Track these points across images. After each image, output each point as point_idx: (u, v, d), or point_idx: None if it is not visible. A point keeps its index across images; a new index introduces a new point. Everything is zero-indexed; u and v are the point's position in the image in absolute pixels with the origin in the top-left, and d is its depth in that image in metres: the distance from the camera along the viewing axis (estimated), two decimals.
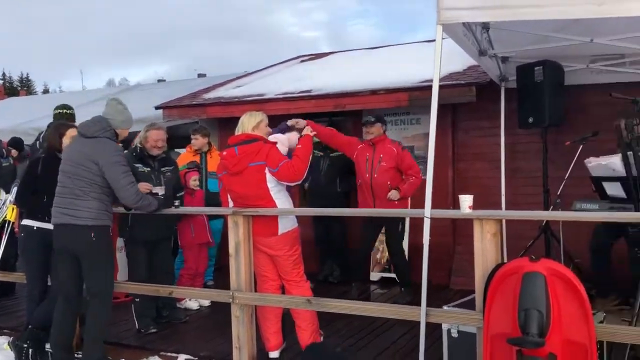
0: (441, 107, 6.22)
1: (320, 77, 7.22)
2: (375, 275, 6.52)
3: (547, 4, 2.82)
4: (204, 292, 4.95)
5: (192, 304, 5.63)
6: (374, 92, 6.12)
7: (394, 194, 5.24)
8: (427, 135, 6.42)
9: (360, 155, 5.53)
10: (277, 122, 4.61)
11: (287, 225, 3.98)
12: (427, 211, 3.26)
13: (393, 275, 6.35)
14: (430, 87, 5.82)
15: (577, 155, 5.01)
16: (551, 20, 3.67)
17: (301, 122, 4.44)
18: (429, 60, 6.15)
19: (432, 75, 6.22)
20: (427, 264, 3.33)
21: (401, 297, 5.53)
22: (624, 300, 4.89)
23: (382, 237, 6.21)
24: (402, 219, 5.46)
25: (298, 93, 6.80)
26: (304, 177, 3.91)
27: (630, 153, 3.18)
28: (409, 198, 6.02)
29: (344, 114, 6.79)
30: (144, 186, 4.29)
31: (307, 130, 4.10)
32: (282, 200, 3.96)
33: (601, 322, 3.41)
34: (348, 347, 4.41)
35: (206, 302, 5.66)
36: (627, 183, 3.26)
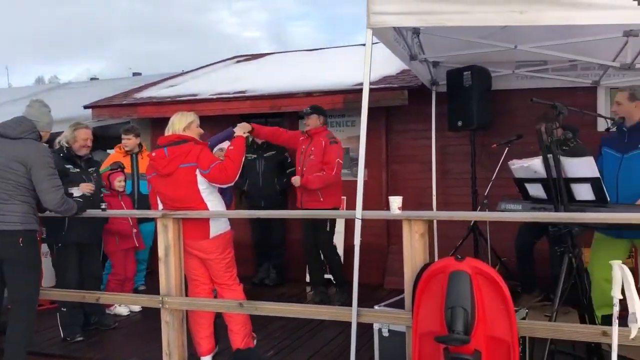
0: (375, 110, 6.41)
1: (257, 78, 7.18)
2: None
3: (473, 11, 2.90)
4: (132, 297, 4.79)
5: (122, 310, 5.45)
6: (309, 94, 6.14)
7: (295, 180, 5.24)
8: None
9: (298, 148, 5.52)
10: (211, 123, 4.55)
11: (219, 228, 3.91)
12: (358, 212, 3.29)
13: (329, 276, 6.39)
14: (368, 90, 5.96)
15: (503, 157, 5.22)
16: (478, 27, 3.80)
17: (246, 127, 4.40)
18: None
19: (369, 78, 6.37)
20: (358, 264, 3.36)
21: (337, 298, 5.56)
22: (546, 296, 5.13)
23: None
24: (327, 219, 5.34)
25: (233, 94, 6.73)
26: (236, 178, 3.86)
27: (550, 155, 3.31)
28: (344, 198, 6.10)
29: (280, 115, 6.78)
30: (87, 187, 4.24)
31: (239, 132, 4.04)
32: (213, 202, 3.90)
33: (523, 318, 3.53)
34: (282, 349, 4.39)
35: (137, 308, 5.50)
36: (547, 184, 3.39)
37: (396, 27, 3.84)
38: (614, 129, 4.03)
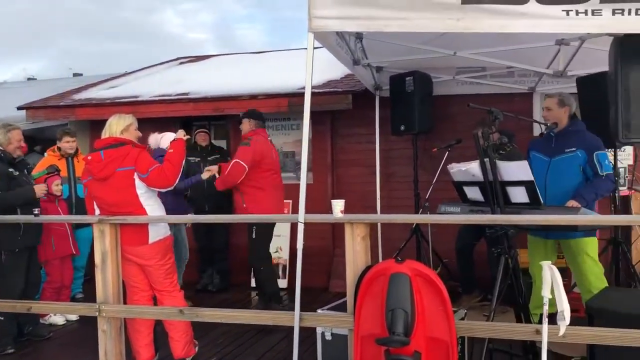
0: (320, 113, 6.45)
1: (200, 80, 7.08)
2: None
3: (411, 18, 2.95)
4: (66, 306, 4.61)
5: (58, 319, 5.23)
6: (253, 97, 6.10)
7: (205, 175, 5.19)
8: (308, 141, 6.63)
9: None
10: (152, 126, 4.44)
11: (158, 233, 3.82)
12: (301, 216, 3.28)
13: (279, 280, 6.35)
14: (310, 93, 5.96)
15: (443, 161, 5.34)
16: (419, 33, 3.87)
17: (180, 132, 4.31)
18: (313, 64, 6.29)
19: (312, 82, 6.38)
20: (301, 268, 3.35)
21: (258, 304, 5.53)
22: (485, 296, 5.28)
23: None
24: (253, 225, 5.04)
25: (175, 96, 6.61)
26: (176, 182, 3.78)
27: (486, 159, 3.40)
28: (289, 202, 6.10)
29: (223, 118, 6.70)
30: (41, 189, 4.28)
31: (180, 134, 3.96)
32: (153, 207, 3.80)
33: (462, 318, 3.61)
34: (225, 355, 4.33)
35: (73, 317, 5.29)
36: (484, 187, 3.48)
37: (338, 31, 3.85)
38: (546, 134, 4.20)
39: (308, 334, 4.01)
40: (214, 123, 6.64)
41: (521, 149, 5.05)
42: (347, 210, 3.34)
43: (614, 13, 2.74)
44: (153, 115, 6.32)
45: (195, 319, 3.68)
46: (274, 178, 5.11)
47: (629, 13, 2.73)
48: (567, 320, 2.22)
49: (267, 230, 5.08)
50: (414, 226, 5.57)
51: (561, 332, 2.26)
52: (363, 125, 6.40)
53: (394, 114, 5.72)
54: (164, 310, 3.79)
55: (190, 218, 4.48)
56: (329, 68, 6.18)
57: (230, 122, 6.79)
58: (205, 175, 5.20)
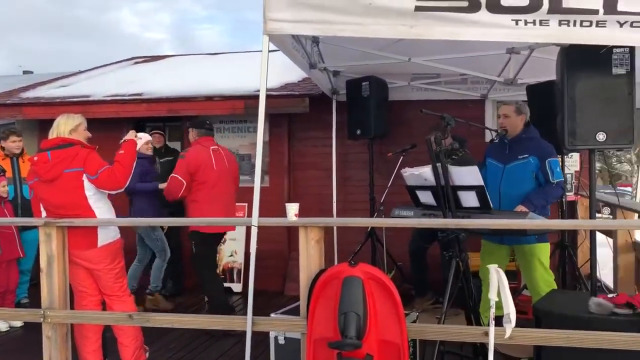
0: (277, 116, 6.44)
1: (155, 81, 6.95)
2: None
3: (365, 23, 2.97)
4: (10, 311, 4.43)
5: (1, 326, 5.03)
6: (209, 98, 6.03)
7: (163, 185, 5.12)
8: (265, 143, 6.61)
9: None
10: (104, 126, 4.33)
11: (108, 236, 3.71)
12: (254, 220, 3.25)
13: (228, 284, 6.30)
14: (267, 96, 5.92)
15: (398, 166, 5.39)
16: (375, 39, 3.91)
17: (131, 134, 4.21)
18: (269, 68, 6.25)
19: (269, 84, 6.36)
20: (254, 272, 3.31)
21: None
22: (438, 299, 5.36)
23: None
24: (192, 241, 5.06)
25: (129, 96, 6.46)
26: (127, 184, 3.69)
27: (439, 164, 3.46)
28: (245, 205, 6.05)
29: (178, 119, 6.60)
30: None
31: (131, 135, 3.87)
32: (102, 209, 3.69)
33: (414, 321, 3.65)
34: None
35: (18, 323, 5.10)
36: (436, 192, 3.53)
37: (294, 35, 3.85)
38: (497, 140, 4.30)
39: (262, 338, 3.98)
40: (169, 124, 6.53)
41: (473, 155, 5.16)
42: (303, 213, 3.33)
43: (560, 24, 2.82)
44: (105, 116, 6.17)
45: (145, 324, 3.59)
46: (210, 191, 4.88)
47: (574, 24, 2.81)
48: (513, 323, 2.27)
49: (206, 248, 4.98)
50: (369, 230, 5.60)
51: (507, 335, 2.31)
52: (320, 129, 6.42)
53: (350, 118, 5.76)
54: (112, 315, 3.69)
55: (141, 221, 4.38)
56: (286, 71, 6.17)
57: (185, 124, 6.68)
58: (163, 185, 5.13)
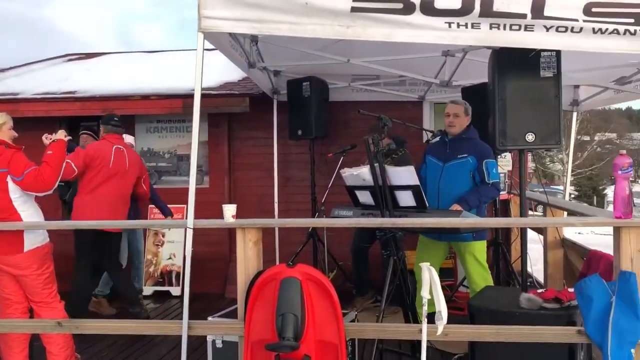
0: (217, 116, 6.34)
1: (89, 78, 6.71)
2: (148, 290, 6.20)
3: (301, 23, 2.96)
4: None
5: None
6: (145, 97, 5.87)
7: None
8: (203, 143, 6.50)
9: None
10: (34, 125, 4.13)
11: (35, 240, 3.54)
12: (190, 221, 3.17)
13: (167, 288, 6.16)
14: (204, 95, 5.82)
15: (338, 166, 5.41)
16: (315, 39, 3.90)
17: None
18: (209, 67, 6.14)
19: (208, 83, 6.26)
20: (189, 275, 3.23)
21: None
22: (378, 298, 5.42)
23: (157, 248, 5.97)
24: (119, 235, 5.08)
25: (61, 94, 6.20)
26: (55, 186, 3.53)
27: (376, 165, 3.49)
28: (185, 208, 5.90)
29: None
30: None
31: (60, 135, 3.71)
32: (29, 212, 3.52)
33: (352, 320, 3.67)
34: None
35: None
36: (374, 191, 3.57)
37: (232, 33, 3.79)
38: (434, 140, 4.39)
39: (200, 342, 3.90)
40: None
41: (414, 155, 5.25)
42: (245, 214, 3.29)
43: (491, 27, 2.90)
44: (35, 115, 5.90)
45: (75, 331, 3.45)
46: (97, 188, 4.82)
47: (504, 28, 2.90)
48: (445, 320, 2.31)
49: (84, 239, 4.88)
50: (310, 230, 5.60)
51: (439, 332, 2.35)
52: (261, 129, 6.38)
53: (291, 119, 5.74)
54: (39, 323, 3.52)
55: (69, 224, 4.19)
56: (228, 70, 6.09)
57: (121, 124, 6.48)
58: None
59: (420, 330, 2.86)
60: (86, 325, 3.39)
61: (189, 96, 5.83)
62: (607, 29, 2.84)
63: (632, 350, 2.79)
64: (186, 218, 3.19)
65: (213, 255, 6.16)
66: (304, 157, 6.20)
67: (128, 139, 5.36)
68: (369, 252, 5.60)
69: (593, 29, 2.85)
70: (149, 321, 3.81)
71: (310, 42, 4.42)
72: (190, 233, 3.17)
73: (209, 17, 2.97)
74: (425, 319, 2.42)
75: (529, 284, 5.22)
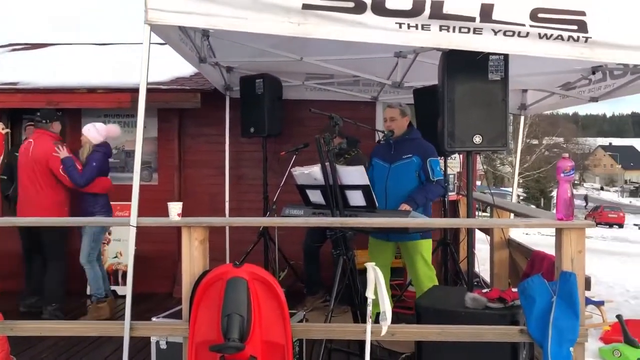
0: (168, 111, 6.20)
1: (33, 70, 6.43)
2: None
3: (252, 18, 2.90)
4: None
5: None
6: (91, 90, 5.67)
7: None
8: (152, 139, 6.34)
9: None
10: None
11: None
12: (133, 219, 3.08)
13: (113, 287, 5.97)
14: (153, 90, 5.67)
15: (291, 164, 5.37)
16: (268, 35, 3.85)
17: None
18: (161, 61, 5.98)
19: (159, 77, 6.11)
20: (132, 274, 3.14)
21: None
22: (327, 297, 5.41)
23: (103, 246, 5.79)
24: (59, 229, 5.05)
25: (1, 85, 5.92)
26: None
27: (327, 164, 3.47)
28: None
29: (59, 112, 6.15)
30: None
31: None
32: None
33: (301, 320, 3.64)
34: None
35: None
36: (325, 191, 3.55)
37: (181, 26, 3.70)
38: (384, 141, 4.42)
39: (145, 342, 3.79)
40: None
41: (366, 156, 5.26)
42: (195, 212, 3.22)
43: (440, 29, 2.92)
44: None
45: (10, 333, 3.29)
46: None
47: (454, 30, 2.93)
48: (389, 320, 2.30)
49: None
50: (261, 229, 5.55)
51: (383, 332, 2.35)
52: (213, 125, 6.28)
53: (243, 116, 5.67)
54: None
55: (7, 221, 4.02)
56: (180, 65, 5.93)
57: (66, 117, 6.24)
58: None
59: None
60: (21, 327, 3.23)
61: (137, 90, 5.67)
62: (552, 35, 2.90)
63: (571, 349, 2.87)
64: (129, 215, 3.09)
65: (161, 253, 6.02)
66: (257, 155, 6.13)
67: (110, 131, 5.27)
68: (321, 252, 5.59)
69: (539, 34, 2.91)
70: (89, 322, 3.69)
71: (264, 39, 4.36)
72: (133, 231, 3.08)
73: (155, 9, 2.89)
74: (370, 320, 2.41)
75: (476, 283, 5.32)
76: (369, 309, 2.37)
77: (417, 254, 4.25)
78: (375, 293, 2.30)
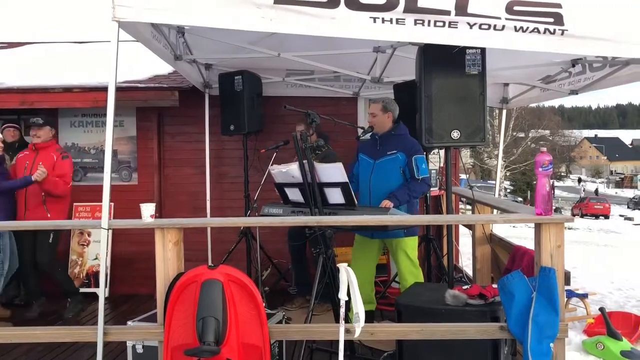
0: (146, 110, 6.09)
1: (7, 69, 6.29)
2: None
3: (225, 13, 2.83)
4: None
5: None
6: (67, 90, 5.54)
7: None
8: (131, 139, 6.24)
9: (20, 162, 5.17)
10: None
11: None
12: (104, 222, 3.00)
13: (94, 289, 5.88)
14: (131, 89, 5.59)
15: (271, 162, 5.31)
16: (245, 32, 3.78)
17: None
18: (139, 59, 5.86)
19: (137, 76, 6.00)
20: (104, 277, 3.08)
21: (70, 309, 5.23)
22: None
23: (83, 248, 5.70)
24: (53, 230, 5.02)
25: None
26: None
27: (305, 161, 3.41)
28: (112, 204, 5.64)
29: (34, 112, 6.03)
30: None
31: None
32: None
33: (280, 321, 3.58)
34: None
35: None
36: (304, 189, 3.49)
37: (154, 23, 3.62)
38: (364, 137, 4.37)
39: (123, 347, 3.72)
40: (24, 117, 5.94)
41: (347, 151, 5.21)
42: (176, 212, 3.15)
43: (415, 23, 2.87)
44: None
45: None
46: None
47: (429, 24, 2.87)
48: (362, 322, 2.26)
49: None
50: (242, 228, 5.48)
51: (356, 334, 2.30)
52: (193, 124, 6.19)
53: (223, 113, 5.58)
54: None
55: None
56: (159, 62, 5.83)
57: (43, 118, 6.12)
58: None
59: (347, 331, 2.82)
60: None
61: (116, 89, 5.57)
62: (528, 28, 2.86)
63: (551, 344, 2.84)
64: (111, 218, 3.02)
65: (142, 255, 5.91)
66: (238, 153, 6.06)
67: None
68: (307, 250, 5.53)
69: (515, 27, 2.87)
70: (61, 327, 3.60)
71: (241, 35, 4.30)
72: (105, 234, 3.00)
73: (123, 5, 2.81)
74: (343, 321, 2.36)
75: (459, 279, 5.30)
76: (342, 310, 2.32)
77: (400, 251, 4.22)
78: (349, 294, 2.25)
